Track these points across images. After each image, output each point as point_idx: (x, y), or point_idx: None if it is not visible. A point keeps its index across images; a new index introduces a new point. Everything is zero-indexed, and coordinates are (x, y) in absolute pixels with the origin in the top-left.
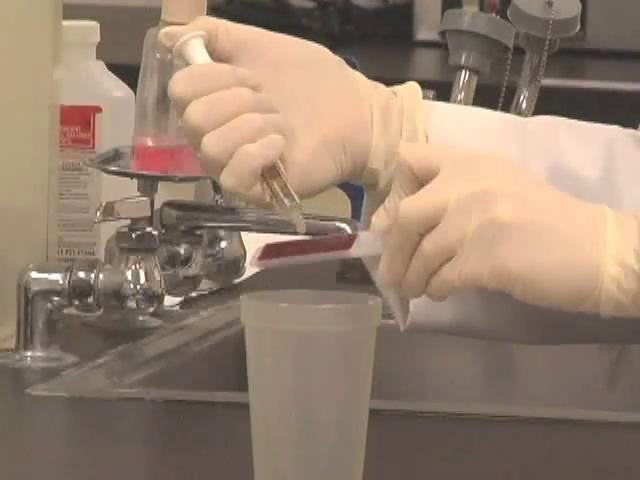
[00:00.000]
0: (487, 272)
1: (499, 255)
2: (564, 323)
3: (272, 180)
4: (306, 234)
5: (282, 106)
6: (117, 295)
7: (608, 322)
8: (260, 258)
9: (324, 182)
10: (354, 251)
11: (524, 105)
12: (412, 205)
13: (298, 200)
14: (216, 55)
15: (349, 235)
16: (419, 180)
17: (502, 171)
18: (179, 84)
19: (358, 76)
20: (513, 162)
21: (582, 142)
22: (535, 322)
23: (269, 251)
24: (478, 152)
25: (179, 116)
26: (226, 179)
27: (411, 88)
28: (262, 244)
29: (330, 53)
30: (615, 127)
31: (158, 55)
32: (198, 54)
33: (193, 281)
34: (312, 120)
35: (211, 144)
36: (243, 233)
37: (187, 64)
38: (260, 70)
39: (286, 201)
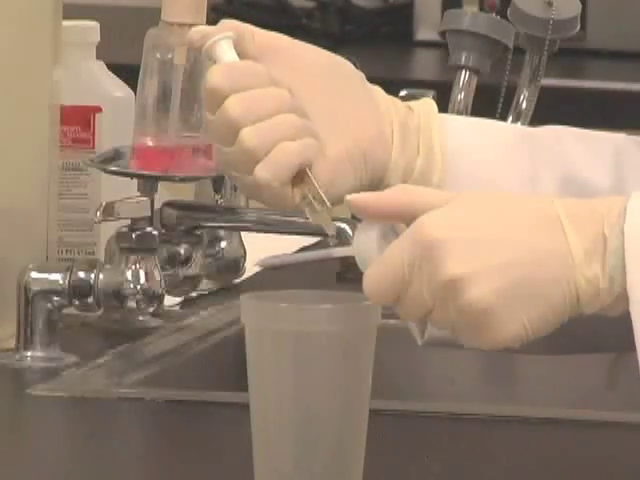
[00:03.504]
0: (486, 347)
1: (489, 335)
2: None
3: (302, 183)
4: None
5: (308, 113)
6: (117, 295)
7: (605, 333)
8: None
9: (343, 194)
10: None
11: (524, 105)
12: (377, 298)
13: (329, 204)
14: (242, 58)
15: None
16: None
17: (456, 251)
18: (217, 76)
19: (378, 90)
20: (464, 215)
21: (591, 151)
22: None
23: None
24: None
25: (210, 109)
26: (262, 172)
27: (427, 104)
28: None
29: (352, 66)
30: (620, 135)
31: (158, 55)
32: (228, 55)
33: (193, 281)
34: (336, 131)
35: (250, 136)
36: (243, 233)
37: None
38: (285, 76)
39: (315, 204)
